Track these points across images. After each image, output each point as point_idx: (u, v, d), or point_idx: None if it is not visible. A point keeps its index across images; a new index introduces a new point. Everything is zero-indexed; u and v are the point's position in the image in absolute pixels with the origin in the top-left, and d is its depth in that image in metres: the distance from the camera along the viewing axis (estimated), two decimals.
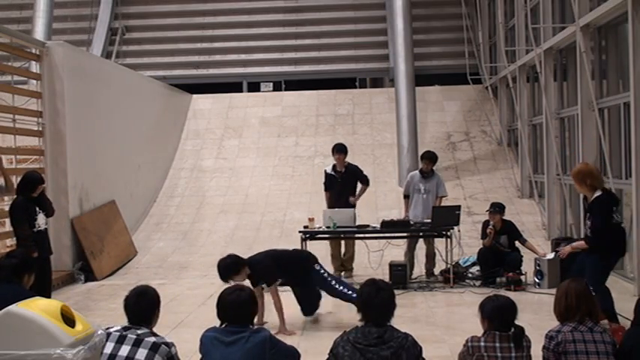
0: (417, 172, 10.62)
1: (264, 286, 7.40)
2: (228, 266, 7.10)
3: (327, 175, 10.73)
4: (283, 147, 16.82)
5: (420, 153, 11.15)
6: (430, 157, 10.49)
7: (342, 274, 10.59)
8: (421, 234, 10.20)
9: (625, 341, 4.40)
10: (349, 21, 20.39)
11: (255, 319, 7.00)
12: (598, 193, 7.03)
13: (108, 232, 11.97)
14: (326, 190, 10.77)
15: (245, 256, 7.48)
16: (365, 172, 10.88)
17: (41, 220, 7.74)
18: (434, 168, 10.51)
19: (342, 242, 10.73)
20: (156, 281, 10.15)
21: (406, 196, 10.58)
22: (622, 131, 9.80)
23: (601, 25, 10.50)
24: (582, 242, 7.29)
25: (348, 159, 10.72)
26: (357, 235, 10.25)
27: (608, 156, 9.95)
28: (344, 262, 10.70)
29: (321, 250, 10.74)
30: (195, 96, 18.57)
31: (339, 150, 10.52)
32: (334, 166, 10.61)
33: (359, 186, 10.73)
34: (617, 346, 4.41)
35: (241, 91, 19.76)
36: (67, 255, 10.87)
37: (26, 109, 10.89)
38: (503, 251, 9.96)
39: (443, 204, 10.51)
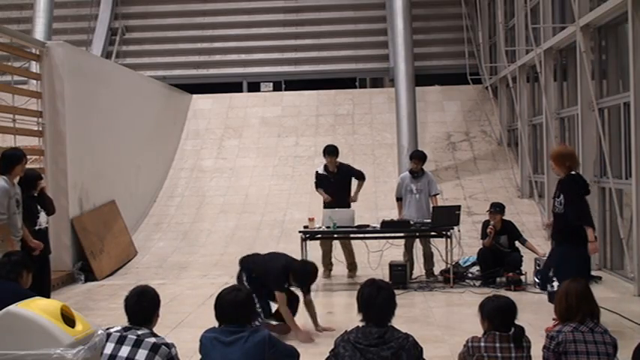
0: (406, 173, 10.58)
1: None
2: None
3: (318, 175, 10.66)
4: (283, 147, 16.82)
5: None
6: (419, 156, 10.46)
7: (347, 273, 10.57)
8: (417, 234, 10.19)
9: None
10: (349, 21, 20.38)
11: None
12: (573, 173, 7.02)
13: (108, 232, 11.97)
14: (317, 187, 10.71)
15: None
16: (363, 171, 10.81)
17: (43, 218, 7.74)
18: (424, 167, 10.50)
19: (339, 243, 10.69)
20: (156, 281, 10.15)
21: (399, 199, 10.56)
22: (622, 131, 9.80)
23: (601, 25, 10.50)
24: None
25: (349, 160, 10.68)
26: (357, 235, 10.24)
27: (608, 156, 9.95)
28: (349, 267, 10.63)
29: (319, 250, 10.73)
30: (195, 96, 18.57)
31: (330, 152, 10.43)
32: (325, 166, 10.57)
33: (354, 183, 10.67)
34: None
35: (241, 91, 19.74)
36: (67, 255, 10.86)
37: (26, 109, 10.89)
38: (503, 251, 9.95)
39: (442, 203, 10.47)
